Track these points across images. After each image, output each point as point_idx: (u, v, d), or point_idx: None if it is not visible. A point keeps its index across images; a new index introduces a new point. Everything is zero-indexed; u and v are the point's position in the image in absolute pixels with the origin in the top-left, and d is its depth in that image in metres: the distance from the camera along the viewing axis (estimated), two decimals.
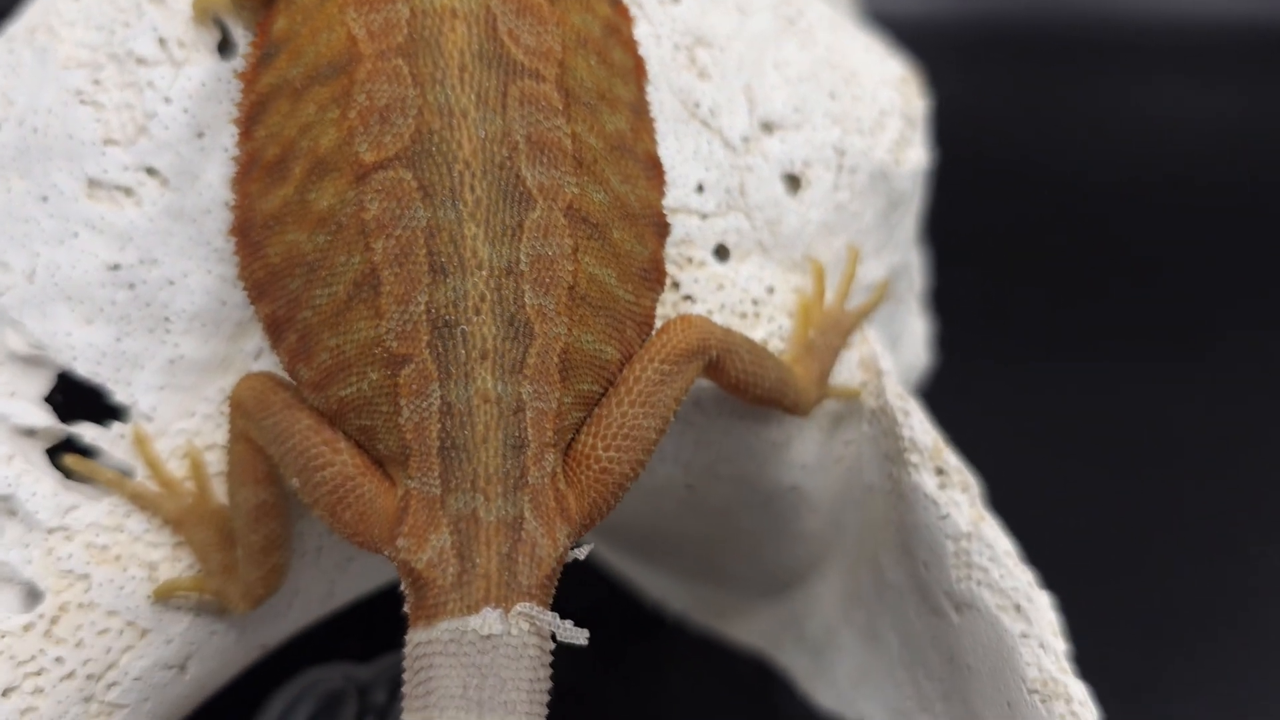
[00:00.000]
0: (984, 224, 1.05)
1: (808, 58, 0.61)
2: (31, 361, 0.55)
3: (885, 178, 0.61)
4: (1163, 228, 1.08)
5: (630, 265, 0.49)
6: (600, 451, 0.48)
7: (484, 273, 0.45)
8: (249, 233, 0.48)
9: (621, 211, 0.49)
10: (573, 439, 0.48)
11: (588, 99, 0.48)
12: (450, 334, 0.45)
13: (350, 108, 0.46)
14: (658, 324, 0.51)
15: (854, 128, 0.61)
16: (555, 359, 0.46)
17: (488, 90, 0.46)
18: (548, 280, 0.46)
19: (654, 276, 0.50)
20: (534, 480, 0.45)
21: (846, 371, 0.60)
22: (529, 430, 0.45)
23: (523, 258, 0.45)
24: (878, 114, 0.62)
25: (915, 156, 0.63)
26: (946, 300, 0.79)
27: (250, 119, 0.48)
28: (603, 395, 0.49)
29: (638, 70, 0.51)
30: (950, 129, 1.10)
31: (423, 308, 0.45)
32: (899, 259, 0.65)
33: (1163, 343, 0.97)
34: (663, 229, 0.51)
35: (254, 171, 0.48)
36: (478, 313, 0.45)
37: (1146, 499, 0.86)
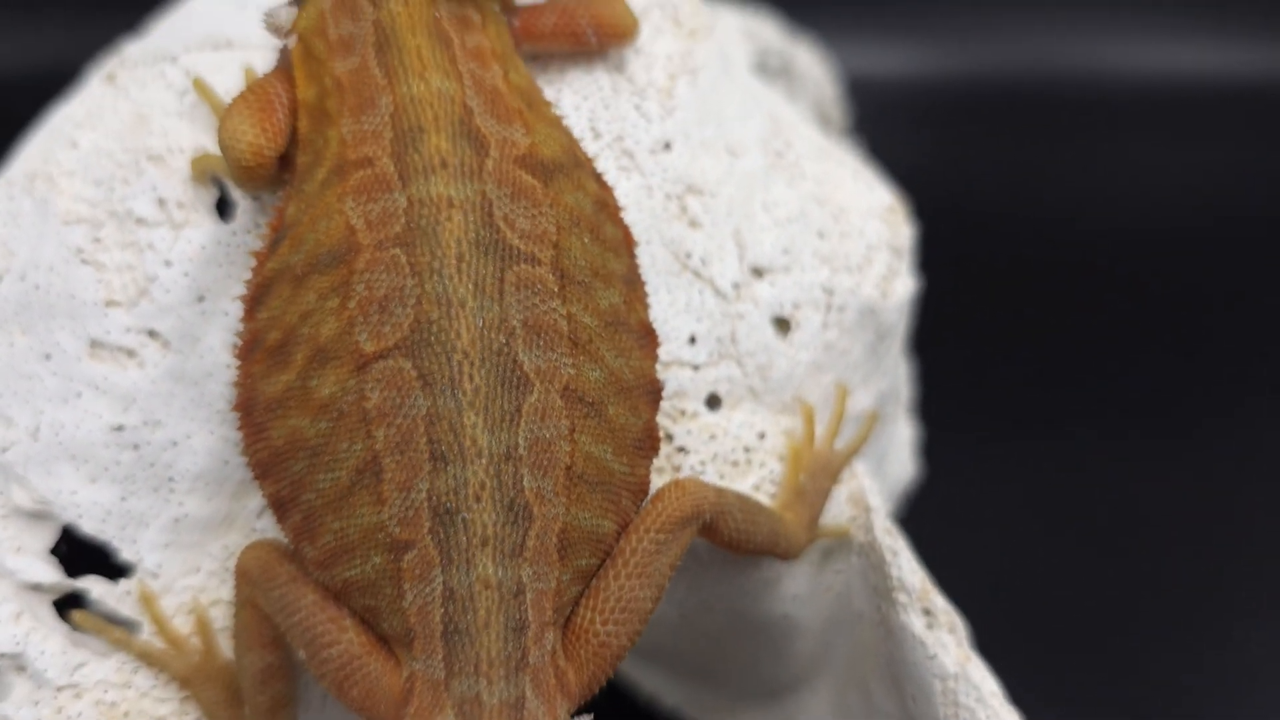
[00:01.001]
0: (957, 292, 1.06)
1: (796, 196, 0.62)
2: (37, 516, 0.56)
3: (873, 312, 0.63)
4: (1136, 294, 1.09)
5: (625, 438, 0.50)
6: (599, 626, 0.49)
7: (483, 460, 0.46)
8: (252, 413, 0.49)
9: (617, 387, 0.50)
10: (571, 612, 0.49)
11: (582, 278, 0.49)
12: (451, 521, 0.46)
13: (350, 297, 0.47)
14: (653, 481, 0.52)
15: (842, 265, 0.62)
16: (554, 539, 0.47)
17: (485, 278, 0.47)
18: (546, 462, 0.47)
19: (648, 445, 0.51)
20: (535, 660, 0.47)
21: (835, 507, 0.61)
22: (529, 612, 0.47)
23: (521, 442, 0.47)
24: (865, 249, 0.63)
25: (902, 288, 0.64)
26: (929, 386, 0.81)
27: (254, 300, 0.49)
28: (600, 565, 0.50)
29: (627, 241, 0.52)
30: (923, 191, 1.12)
31: (424, 495, 0.46)
32: (887, 384, 0.66)
33: (1141, 419, 0.98)
34: (656, 396, 0.52)
35: (256, 353, 0.49)
36: (478, 500, 0.46)
37: (1128, 579, 0.87)
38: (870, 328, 0.63)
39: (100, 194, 0.57)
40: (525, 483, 0.46)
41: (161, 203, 0.56)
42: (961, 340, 1.00)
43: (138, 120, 0.58)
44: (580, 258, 0.49)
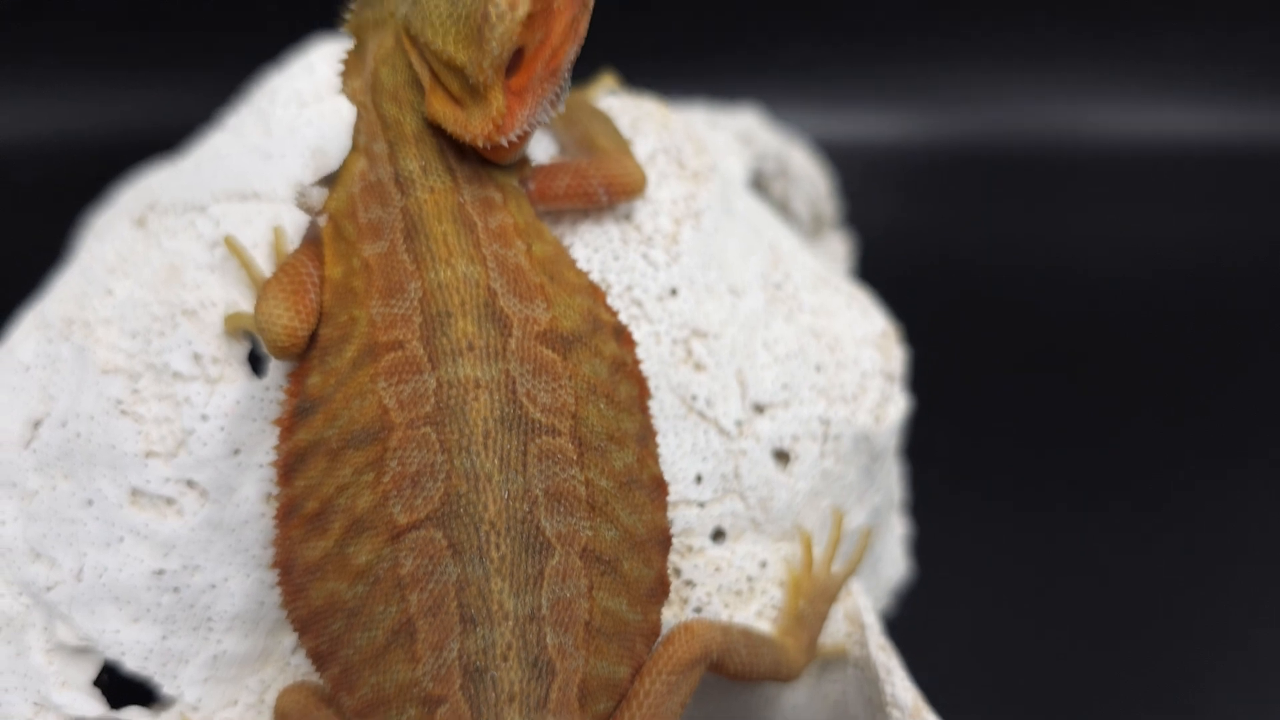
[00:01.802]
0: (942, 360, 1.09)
1: (794, 331, 0.65)
2: (81, 651, 0.59)
3: (867, 439, 0.66)
4: (1118, 360, 1.13)
5: (639, 589, 0.54)
6: None
7: (510, 623, 0.50)
8: (291, 573, 0.52)
9: (631, 543, 0.53)
10: None
11: (598, 443, 0.53)
12: (481, 678, 0.49)
13: (384, 473, 0.50)
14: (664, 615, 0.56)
15: (838, 396, 0.66)
16: (575, 690, 0.51)
17: (509, 452, 0.50)
18: (566, 620, 0.51)
19: (660, 592, 0.55)
20: None
21: (832, 624, 0.65)
22: None
23: (544, 603, 0.50)
24: (860, 377, 0.67)
25: (894, 411, 0.68)
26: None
27: (289, 468, 0.53)
28: (617, 706, 0.54)
29: (642, 395, 0.56)
30: (903, 253, 1.15)
31: (455, 654, 0.49)
32: (880, 498, 0.70)
33: (1128, 493, 1.02)
34: (666, 544, 0.55)
35: (294, 518, 0.52)
36: (505, 659, 0.49)
37: (1119, 666, 0.91)
38: (865, 452, 0.67)
39: (137, 345, 0.60)
40: (548, 640, 0.50)
41: (197, 358, 0.59)
42: (945, 416, 1.03)
43: (170, 272, 0.61)
44: (597, 424, 0.53)
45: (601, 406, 0.53)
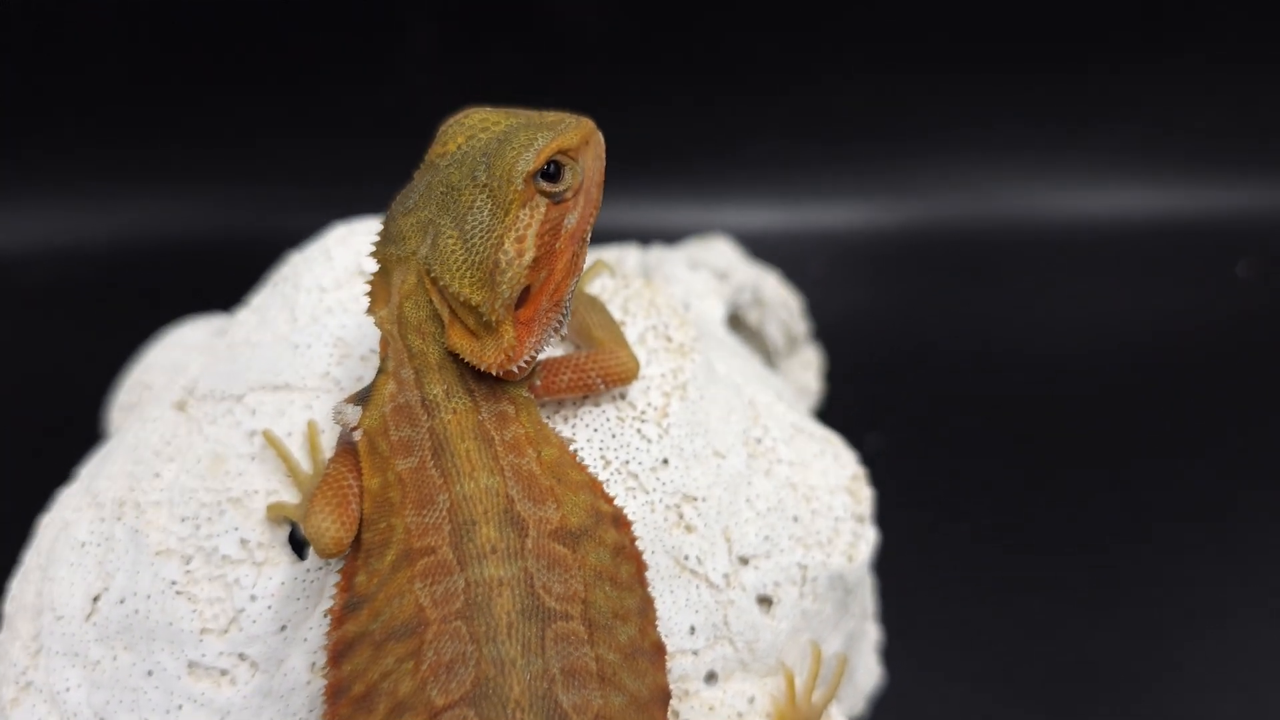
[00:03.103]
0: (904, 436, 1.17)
1: (773, 485, 0.73)
2: None
3: (841, 577, 0.74)
4: (1083, 439, 1.21)
5: None
6: None
7: None
8: None
9: (637, 705, 0.61)
10: None
11: (605, 622, 0.60)
12: None
13: (422, 661, 0.58)
14: None
15: (814, 542, 0.73)
16: None
17: (530, 639, 0.58)
18: None
19: None
20: None
21: None
22: None
23: None
24: (833, 523, 0.75)
25: (865, 548, 0.76)
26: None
27: (338, 654, 0.60)
28: None
29: (639, 570, 0.63)
30: (868, 337, 1.23)
31: None
32: (854, 623, 0.78)
33: (1097, 568, 1.09)
34: (667, 700, 0.63)
35: (342, 699, 0.60)
36: None
37: None
38: (840, 588, 0.75)
39: (187, 530, 0.67)
40: None
41: (244, 543, 0.66)
42: (914, 498, 1.11)
43: (215, 460, 0.68)
44: (604, 605, 0.60)
45: (607, 589, 0.61)
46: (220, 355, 0.74)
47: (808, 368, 1.03)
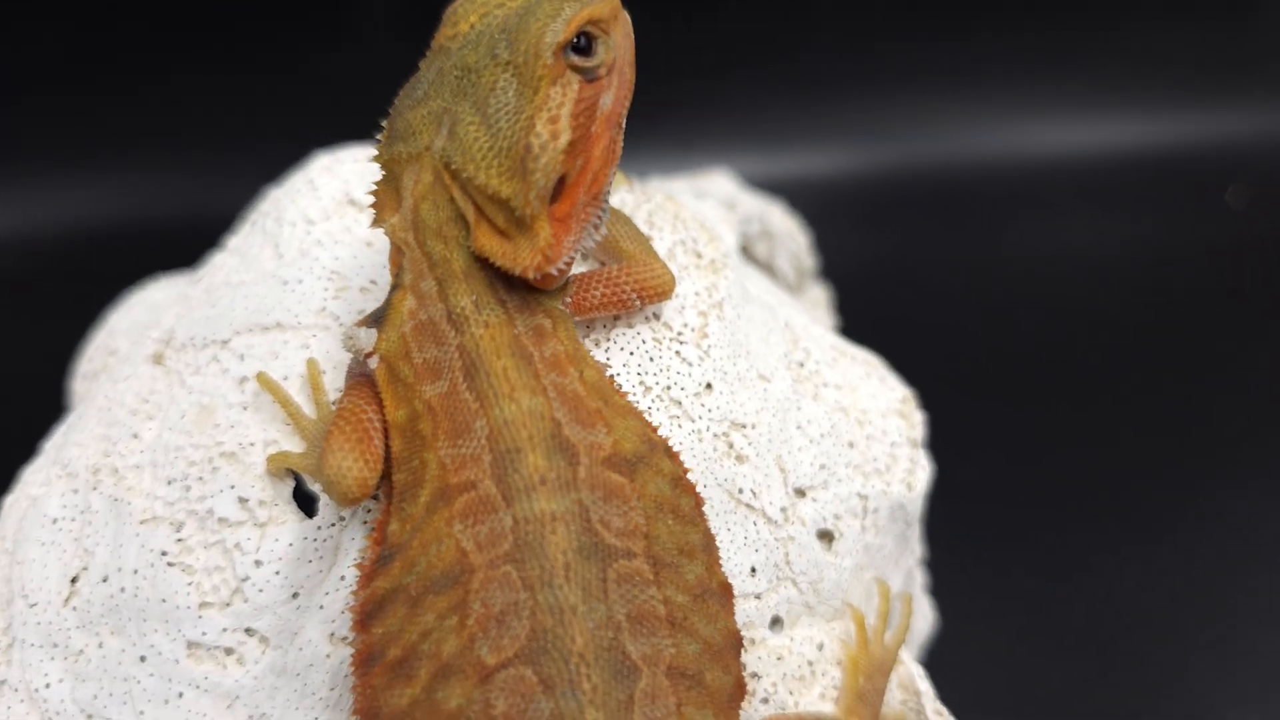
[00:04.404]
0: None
1: (823, 410, 0.66)
2: None
3: (902, 507, 0.67)
4: (1087, 371, 1.16)
5: (722, 697, 0.54)
6: None
7: None
8: None
9: (711, 653, 0.54)
10: None
11: (670, 559, 0.53)
12: None
13: (468, 616, 0.50)
14: None
15: (871, 469, 0.67)
16: None
17: (590, 581, 0.50)
18: None
19: (739, 695, 0.55)
20: None
21: (886, 692, 0.66)
22: None
23: None
24: (889, 448, 0.68)
25: (922, 475, 0.69)
26: None
27: (367, 615, 0.52)
28: None
29: (698, 506, 0.56)
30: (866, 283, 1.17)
31: None
32: (913, 559, 0.71)
33: (1120, 506, 1.04)
34: (739, 647, 0.56)
35: (375, 666, 0.52)
36: None
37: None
38: (900, 520, 0.68)
39: (176, 493, 0.59)
40: None
41: (242, 501, 0.58)
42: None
43: (202, 413, 0.60)
44: (668, 541, 0.53)
45: (670, 522, 0.54)
46: (197, 302, 0.66)
47: (817, 305, 0.97)
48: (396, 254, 0.55)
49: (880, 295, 1.17)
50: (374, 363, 0.54)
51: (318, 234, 0.66)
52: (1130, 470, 1.07)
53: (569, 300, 0.59)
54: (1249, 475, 1.06)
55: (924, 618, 0.78)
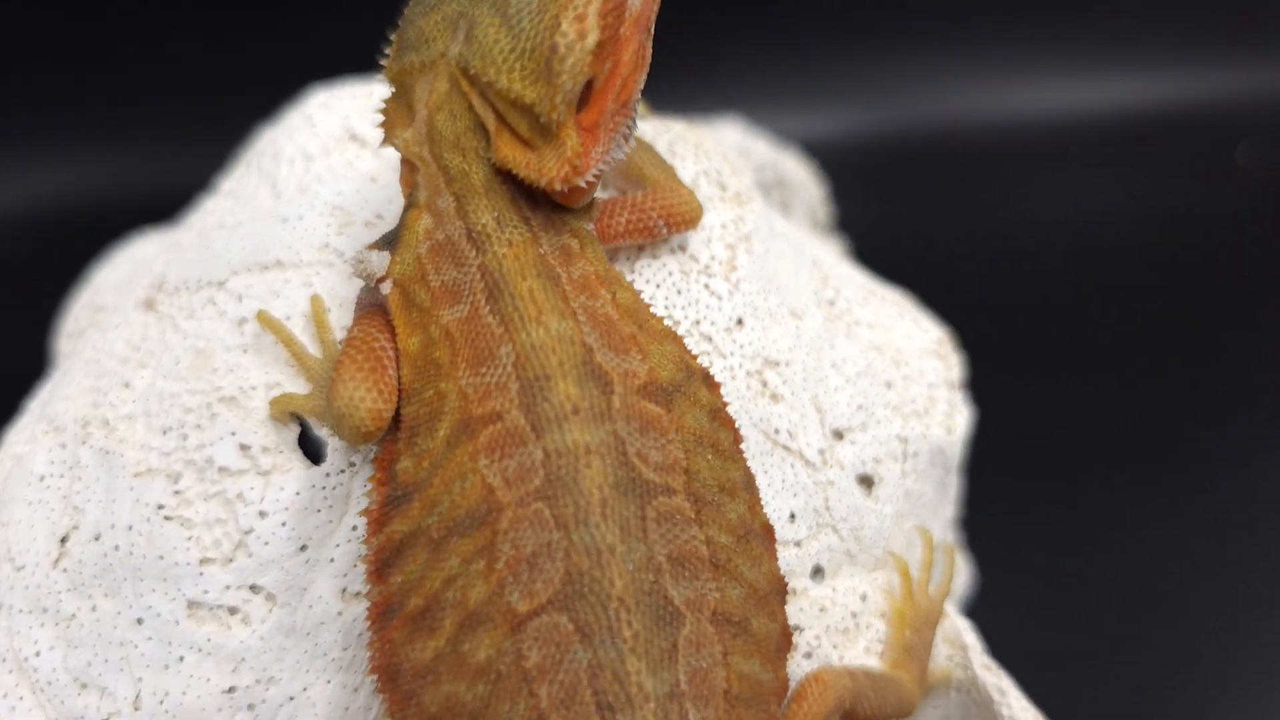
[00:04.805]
0: None
1: (858, 349, 0.63)
2: None
3: (942, 451, 0.64)
4: (1084, 335, 1.13)
5: (769, 645, 0.50)
6: None
7: (650, 705, 0.45)
8: (398, 679, 0.48)
9: (756, 598, 0.50)
10: None
11: (712, 497, 0.49)
12: None
13: (497, 559, 0.46)
14: None
15: (910, 411, 0.63)
16: None
17: (628, 519, 0.46)
18: (705, 693, 0.47)
19: (785, 645, 0.51)
20: None
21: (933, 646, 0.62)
22: None
23: (681, 678, 0.46)
24: (928, 390, 0.64)
25: (962, 420, 0.65)
26: None
27: (382, 563, 0.48)
28: None
29: (736, 439, 0.52)
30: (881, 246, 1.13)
31: None
32: (953, 510, 0.68)
33: (1145, 458, 1.01)
34: (784, 593, 0.52)
35: (394, 618, 0.48)
36: None
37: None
38: (940, 465, 0.64)
39: (171, 442, 0.54)
40: (691, 717, 0.46)
41: (244, 449, 0.54)
42: None
43: (198, 357, 0.56)
44: (708, 477, 0.49)
45: (709, 457, 0.50)
46: (189, 246, 0.62)
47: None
48: (409, 172, 0.51)
49: (895, 255, 1.14)
50: (386, 288, 0.50)
51: (317, 170, 0.62)
52: (1149, 428, 1.04)
53: (593, 227, 0.54)
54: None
55: (959, 574, 0.74)
